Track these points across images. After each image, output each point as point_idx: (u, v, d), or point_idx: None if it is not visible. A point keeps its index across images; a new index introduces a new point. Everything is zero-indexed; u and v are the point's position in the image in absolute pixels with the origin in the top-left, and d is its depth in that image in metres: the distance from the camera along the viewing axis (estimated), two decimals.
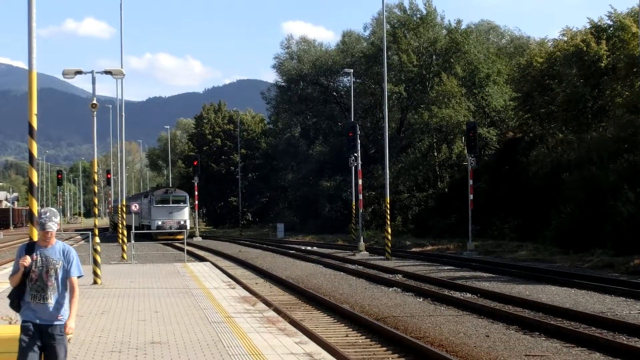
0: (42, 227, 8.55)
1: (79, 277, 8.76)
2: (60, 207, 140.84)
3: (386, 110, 50.47)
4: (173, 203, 73.12)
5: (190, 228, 77.77)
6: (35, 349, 8.44)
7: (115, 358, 13.45)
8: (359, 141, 53.37)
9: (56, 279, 8.53)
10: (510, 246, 47.02)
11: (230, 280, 29.55)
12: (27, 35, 16.09)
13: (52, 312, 8.47)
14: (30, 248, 8.64)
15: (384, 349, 17.02)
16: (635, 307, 21.73)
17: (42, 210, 8.73)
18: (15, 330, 11.39)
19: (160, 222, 71.03)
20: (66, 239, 73.58)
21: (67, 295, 8.62)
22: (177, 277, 29.99)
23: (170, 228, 68.10)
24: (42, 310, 8.45)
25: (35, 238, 14.94)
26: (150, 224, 72.41)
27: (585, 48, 47.77)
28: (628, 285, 26.66)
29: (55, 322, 8.49)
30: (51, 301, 8.46)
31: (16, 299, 8.57)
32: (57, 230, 8.73)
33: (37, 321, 8.44)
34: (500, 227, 54.51)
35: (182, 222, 71.71)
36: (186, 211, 73.99)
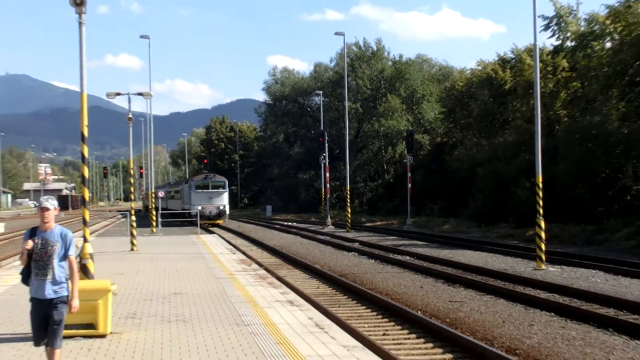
0: (40, 204, 7.77)
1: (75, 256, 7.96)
2: (106, 194, 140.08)
3: (347, 121, 50.57)
4: (212, 188, 57.33)
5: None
6: (42, 319, 7.65)
7: (148, 304, 13.41)
8: (327, 144, 53.32)
9: (55, 258, 7.68)
10: (438, 222, 47.25)
11: (232, 247, 29.51)
12: (79, 66, 15.94)
13: (52, 287, 7.66)
14: (32, 233, 7.78)
15: (346, 297, 17.08)
16: (530, 266, 21.92)
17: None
18: (93, 284, 10.97)
19: (200, 207, 54.28)
20: (110, 218, 73.06)
21: (64, 272, 7.80)
22: (192, 245, 29.91)
23: (210, 213, 54.95)
24: (44, 285, 7.64)
25: (87, 217, 14.86)
26: (190, 209, 56.89)
27: (494, 75, 47.87)
28: (524, 249, 26.92)
29: (55, 296, 7.68)
30: (50, 278, 7.64)
31: (26, 276, 7.75)
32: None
33: (40, 296, 7.65)
34: (431, 208, 54.67)
35: (221, 207, 56.42)
36: (225, 196, 57.53)
